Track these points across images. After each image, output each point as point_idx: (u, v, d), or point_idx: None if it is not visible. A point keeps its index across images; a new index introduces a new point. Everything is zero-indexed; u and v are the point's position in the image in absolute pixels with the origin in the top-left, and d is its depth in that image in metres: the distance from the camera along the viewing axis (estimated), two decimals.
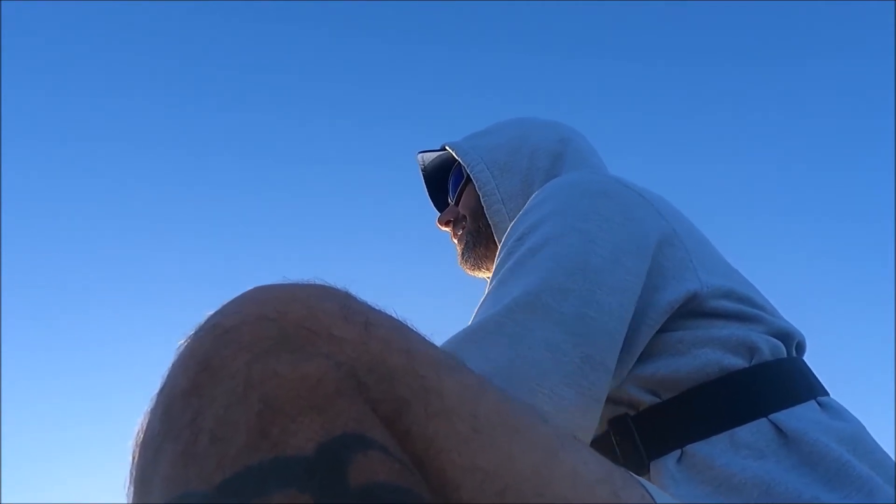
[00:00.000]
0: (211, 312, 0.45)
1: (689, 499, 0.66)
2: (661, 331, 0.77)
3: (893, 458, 0.72)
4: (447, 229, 1.19)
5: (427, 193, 1.33)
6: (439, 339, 0.52)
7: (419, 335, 0.50)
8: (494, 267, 0.83)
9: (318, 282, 0.49)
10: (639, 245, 0.78)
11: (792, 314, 0.88)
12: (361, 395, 0.42)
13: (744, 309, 0.80)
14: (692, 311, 0.78)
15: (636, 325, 0.74)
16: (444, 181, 1.28)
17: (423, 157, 1.30)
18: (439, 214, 1.20)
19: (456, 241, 1.17)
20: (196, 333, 0.43)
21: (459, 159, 1.12)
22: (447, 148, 1.17)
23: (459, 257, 1.15)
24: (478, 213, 1.09)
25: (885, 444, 0.75)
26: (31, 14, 4.43)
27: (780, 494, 0.63)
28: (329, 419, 0.39)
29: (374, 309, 0.49)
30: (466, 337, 0.70)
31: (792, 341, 0.82)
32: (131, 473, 0.41)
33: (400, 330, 0.49)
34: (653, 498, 0.52)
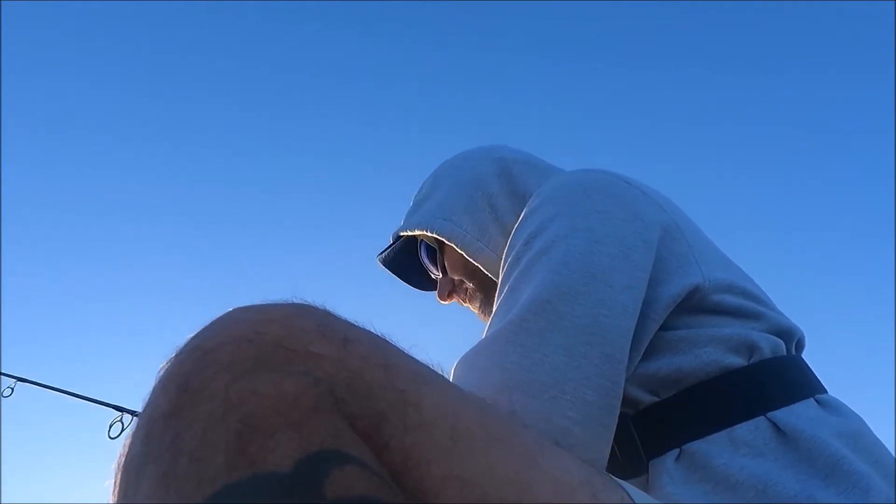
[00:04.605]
0: (191, 335, 0.46)
1: (687, 498, 0.66)
2: (664, 328, 0.77)
3: (894, 456, 0.72)
4: (450, 301, 1.13)
5: (407, 283, 1.24)
6: (420, 353, 0.53)
7: (399, 349, 0.51)
8: (503, 273, 0.83)
9: (296, 300, 0.50)
10: (643, 239, 0.78)
11: (796, 315, 0.88)
12: (339, 410, 0.43)
13: (745, 304, 0.79)
14: (695, 306, 0.78)
15: (642, 319, 0.74)
16: (415, 267, 1.20)
17: (384, 257, 1.21)
18: (436, 293, 1.14)
19: (468, 304, 1.11)
20: (177, 356, 0.45)
21: (418, 234, 1.07)
22: (402, 234, 1.12)
23: (480, 315, 1.09)
24: (470, 268, 1.04)
25: (886, 444, 0.74)
26: (34, 12, 4.49)
27: (776, 495, 0.63)
28: (306, 436, 0.40)
29: (353, 325, 0.50)
30: (482, 350, 0.70)
31: (792, 338, 0.82)
32: (114, 495, 0.42)
33: (379, 345, 0.50)
34: (632, 499, 0.53)
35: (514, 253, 0.81)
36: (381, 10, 5.24)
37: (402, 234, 1.12)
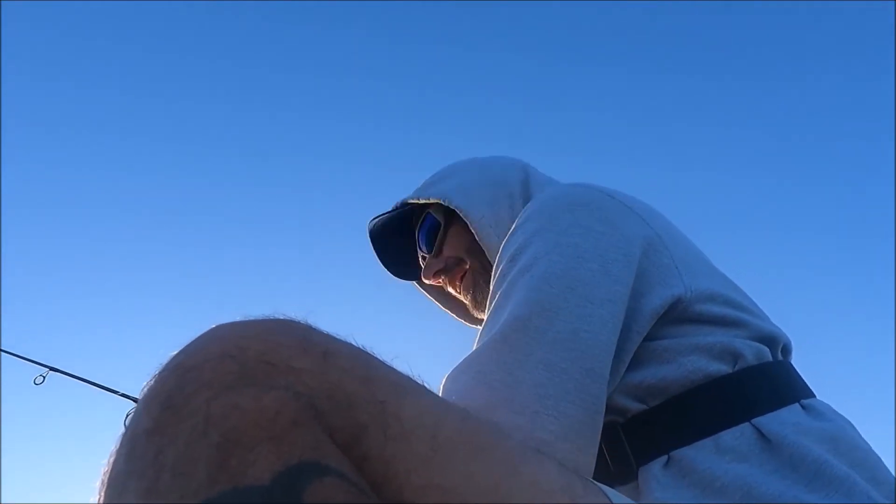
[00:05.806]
0: (174, 352, 0.47)
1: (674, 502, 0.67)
2: (648, 339, 0.78)
3: (878, 457, 0.73)
4: (435, 281, 1.13)
5: (385, 265, 1.24)
6: (402, 363, 0.54)
7: (380, 361, 0.52)
8: (491, 290, 0.84)
9: (278, 316, 0.51)
10: (624, 253, 0.79)
11: (795, 316, 0.88)
12: (320, 423, 0.44)
13: (728, 313, 0.80)
14: (678, 316, 0.79)
15: (625, 332, 0.75)
16: (392, 244, 1.22)
17: (377, 223, 1.21)
18: (423, 270, 1.14)
19: (460, 289, 1.11)
20: (160, 373, 0.45)
21: (433, 201, 1.08)
22: (410, 202, 1.12)
23: (473, 304, 1.10)
24: (476, 249, 1.05)
25: (883, 445, 0.76)
26: (34, 12, 4.50)
27: (761, 495, 0.64)
28: (286, 449, 0.41)
29: (334, 339, 0.51)
30: (466, 367, 0.72)
31: (777, 345, 0.83)
32: None
33: (360, 358, 0.51)
34: (610, 500, 0.54)
35: (500, 269, 0.83)
36: (381, 10, 5.25)
37: (410, 201, 1.12)
